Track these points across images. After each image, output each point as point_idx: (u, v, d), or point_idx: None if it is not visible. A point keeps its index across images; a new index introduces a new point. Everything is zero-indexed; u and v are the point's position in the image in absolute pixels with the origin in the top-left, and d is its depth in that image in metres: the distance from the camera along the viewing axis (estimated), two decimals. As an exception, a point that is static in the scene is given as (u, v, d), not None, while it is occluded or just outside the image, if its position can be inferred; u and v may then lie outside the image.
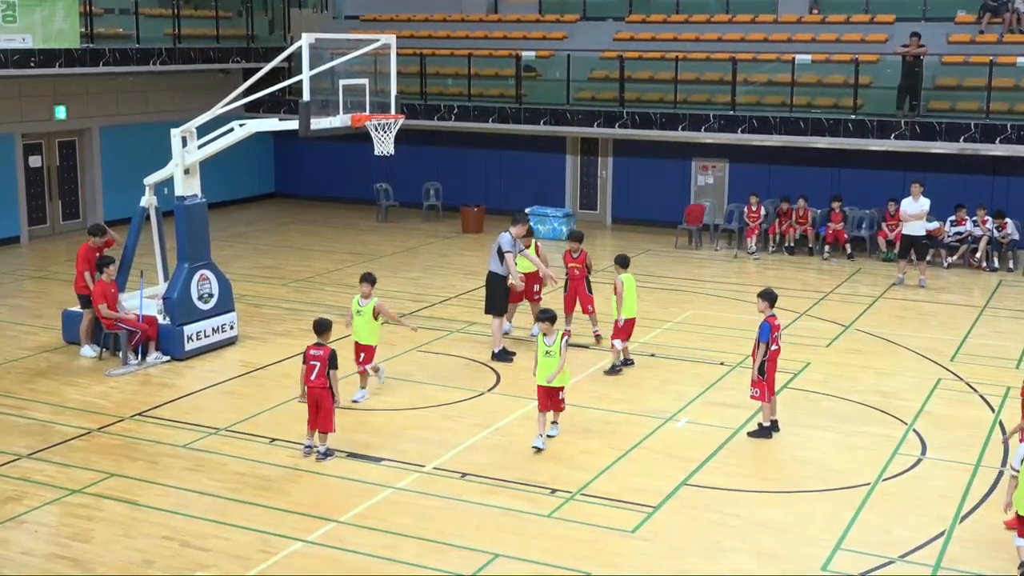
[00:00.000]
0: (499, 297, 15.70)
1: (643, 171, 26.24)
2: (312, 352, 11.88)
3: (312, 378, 11.82)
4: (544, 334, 12.24)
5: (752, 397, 12.73)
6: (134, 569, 9.60)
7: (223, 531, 10.30)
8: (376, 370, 14.03)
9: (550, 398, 12.32)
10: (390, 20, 29.44)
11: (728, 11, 26.89)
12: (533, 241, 16.39)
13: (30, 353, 15.94)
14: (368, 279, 13.70)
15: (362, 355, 13.78)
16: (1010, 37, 23.15)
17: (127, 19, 24.29)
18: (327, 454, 12.00)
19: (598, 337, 16.25)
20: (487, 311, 15.87)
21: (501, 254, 15.47)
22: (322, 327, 12.12)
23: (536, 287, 16.46)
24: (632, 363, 15.29)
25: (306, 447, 12.13)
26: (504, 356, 15.49)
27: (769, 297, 12.69)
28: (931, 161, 22.81)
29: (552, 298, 17.38)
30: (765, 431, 12.72)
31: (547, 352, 12.14)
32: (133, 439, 12.65)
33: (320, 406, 11.84)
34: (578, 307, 16.39)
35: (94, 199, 25.61)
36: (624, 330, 15.02)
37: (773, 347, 12.55)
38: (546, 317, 12.33)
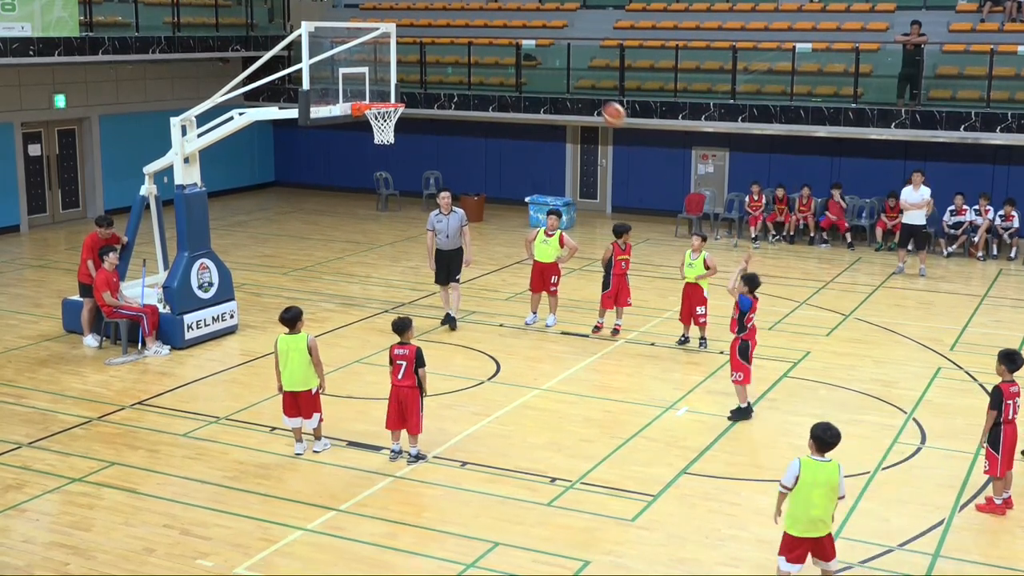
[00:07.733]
0: (437, 269, 16.51)
1: (643, 160, 26.21)
2: (397, 351, 11.34)
3: (399, 377, 11.31)
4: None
5: (735, 381, 12.78)
6: (134, 557, 9.62)
7: (223, 519, 10.32)
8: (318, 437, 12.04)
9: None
10: (390, 8, 29.39)
11: (729, -1, 26.88)
12: (558, 230, 16.33)
13: (30, 342, 15.94)
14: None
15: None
16: (1011, 26, 23.11)
17: (126, 7, 24.20)
18: (419, 457, 11.58)
19: (616, 330, 16.19)
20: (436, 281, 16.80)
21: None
22: (403, 327, 11.46)
23: (553, 278, 16.44)
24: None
25: (393, 452, 11.66)
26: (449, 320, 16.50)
27: (752, 282, 12.81)
28: (932, 150, 22.79)
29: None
30: (746, 411, 12.83)
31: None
32: (133, 428, 12.66)
33: (405, 406, 11.35)
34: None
35: (94, 188, 25.58)
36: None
37: (752, 315, 12.66)
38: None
